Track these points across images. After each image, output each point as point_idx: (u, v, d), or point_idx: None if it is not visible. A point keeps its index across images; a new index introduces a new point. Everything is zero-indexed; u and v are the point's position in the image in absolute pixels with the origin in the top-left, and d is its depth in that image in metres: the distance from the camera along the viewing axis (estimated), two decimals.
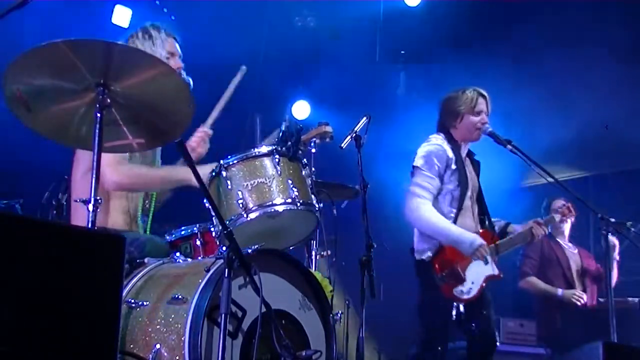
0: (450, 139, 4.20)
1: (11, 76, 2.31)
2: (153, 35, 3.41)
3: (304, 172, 3.11)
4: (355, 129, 3.76)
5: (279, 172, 3.00)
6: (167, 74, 2.45)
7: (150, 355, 2.50)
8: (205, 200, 2.77)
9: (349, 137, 3.75)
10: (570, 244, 5.86)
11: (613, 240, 4.96)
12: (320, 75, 7.39)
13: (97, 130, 2.42)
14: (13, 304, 1.83)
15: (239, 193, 2.95)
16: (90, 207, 2.38)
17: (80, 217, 3.09)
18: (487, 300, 4.13)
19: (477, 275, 4.08)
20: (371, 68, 7.46)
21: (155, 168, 3.42)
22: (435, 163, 4.08)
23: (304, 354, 2.69)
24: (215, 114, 3.72)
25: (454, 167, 4.11)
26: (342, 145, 3.75)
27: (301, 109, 7.66)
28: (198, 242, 3.16)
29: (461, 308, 3.99)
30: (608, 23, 6.34)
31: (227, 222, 2.82)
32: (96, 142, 2.42)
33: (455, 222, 4.06)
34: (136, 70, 2.41)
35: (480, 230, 4.21)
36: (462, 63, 6.84)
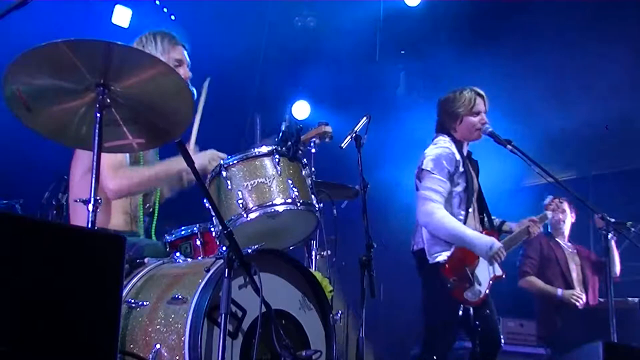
0: (454, 140, 4.19)
1: (11, 76, 2.30)
2: (158, 40, 3.40)
3: (304, 172, 3.11)
4: (355, 129, 3.76)
5: (279, 172, 3.00)
6: (167, 73, 2.45)
7: (150, 355, 2.50)
8: (205, 200, 2.77)
9: (349, 137, 3.74)
10: (569, 244, 5.86)
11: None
12: (320, 75, 7.38)
13: (97, 130, 2.42)
14: (13, 304, 1.83)
15: (239, 193, 2.95)
16: (90, 207, 2.38)
17: (79, 217, 3.09)
18: (489, 300, 4.14)
19: (484, 276, 4.09)
20: (371, 68, 7.46)
21: (150, 167, 3.39)
22: (446, 166, 4.06)
23: (304, 354, 2.69)
24: (194, 132, 3.67)
25: (461, 169, 4.11)
26: (342, 145, 3.75)
27: (301, 109, 7.66)
28: (198, 242, 3.16)
29: (470, 310, 3.98)
30: (608, 23, 6.35)
31: (227, 222, 2.82)
32: (96, 142, 2.42)
33: (465, 223, 4.05)
34: (136, 70, 2.41)
35: (483, 231, 4.20)
36: (462, 63, 6.84)
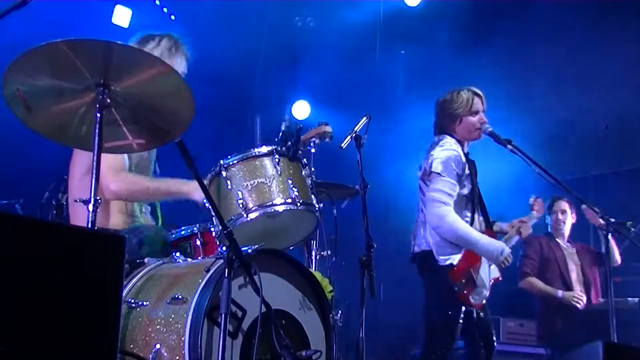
0: (458, 142, 4.18)
1: (11, 76, 2.30)
2: (162, 44, 3.40)
3: (304, 172, 3.11)
4: (355, 129, 3.76)
5: (279, 172, 3.00)
6: (167, 73, 2.45)
7: (150, 355, 2.50)
8: (205, 200, 2.77)
9: (349, 137, 3.74)
10: (569, 244, 5.86)
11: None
12: (320, 76, 7.39)
13: (97, 130, 2.42)
14: (13, 304, 1.83)
15: (239, 193, 2.95)
16: (90, 207, 2.38)
17: (79, 217, 3.09)
18: (485, 303, 4.14)
19: (486, 279, 4.09)
20: (371, 68, 7.46)
21: (153, 179, 3.43)
22: (454, 168, 4.03)
23: (304, 354, 2.69)
24: None
25: (467, 171, 4.10)
26: (342, 145, 3.75)
27: (301, 109, 7.66)
28: (198, 242, 3.16)
29: (474, 313, 3.98)
30: (609, 23, 6.35)
31: (227, 222, 2.82)
32: (96, 142, 2.42)
33: (471, 225, 4.05)
34: (136, 70, 2.40)
35: (485, 232, 4.20)
36: (462, 63, 6.84)
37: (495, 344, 4.17)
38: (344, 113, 5.71)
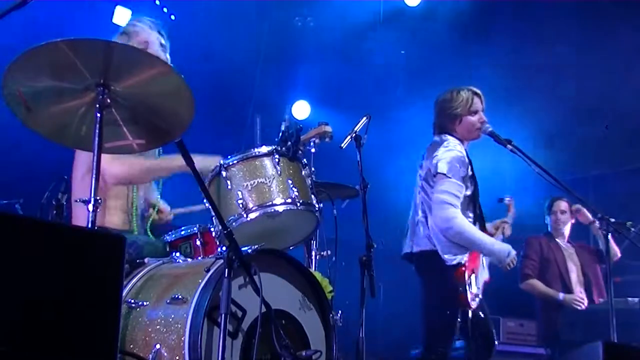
0: (461, 142, 4.17)
1: (11, 76, 2.30)
2: (127, 31, 3.38)
3: (304, 172, 3.11)
4: (355, 129, 3.75)
5: (279, 172, 3.00)
6: (167, 73, 2.45)
7: (150, 355, 2.50)
8: (205, 200, 2.77)
9: (349, 137, 3.74)
10: (569, 244, 5.86)
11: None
12: (320, 76, 7.39)
13: (97, 130, 2.42)
14: (13, 304, 1.83)
15: (239, 193, 2.95)
16: (90, 207, 2.38)
17: (80, 217, 3.09)
18: (484, 304, 4.14)
19: (480, 281, 4.10)
20: (371, 68, 7.46)
21: (154, 159, 3.41)
22: (460, 169, 4.00)
23: (304, 354, 2.69)
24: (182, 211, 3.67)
25: (470, 172, 4.09)
26: (342, 145, 3.74)
27: (301, 109, 7.66)
28: (198, 242, 3.16)
29: (469, 314, 3.97)
30: (609, 22, 6.35)
31: (227, 222, 2.82)
32: (96, 142, 2.42)
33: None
34: (136, 70, 2.40)
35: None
36: (462, 63, 6.84)
37: (496, 343, 4.16)
38: (344, 113, 5.71)
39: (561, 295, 5.51)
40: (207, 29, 6.45)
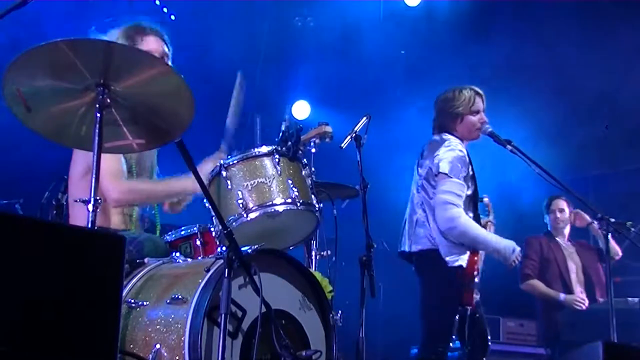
0: (461, 141, 4.16)
1: (11, 76, 2.30)
2: (132, 36, 3.37)
3: (304, 172, 3.11)
4: (355, 129, 3.76)
5: (279, 172, 3.00)
6: (167, 74, 2.45)
7: (150, 355, 2.50)
8: (205, 200, 2.77)
9: (349, 137, 3.74)
10: (569, 243, 5.86)
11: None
12: (320, 75, 7.39)
13: (97, 130, 2.42)
14: (13, 304, 1.83)
15: (239, 193, 2.95)
16: (90, 207, 2.38)
17: (78, 217, 3.09)
18: (479, 303, 4.13)
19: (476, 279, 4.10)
20: (371, 68, 7.46)
21: (155, 181, 3.45)
22: (461, 169, 3.99)
23: (304, 354, 2.69)
24: (230, 131, 3.63)
25: (471, 172, 4.09)
26: (342, 145, 3.74)
27: (301, 109, 7.66)
28: (198, 242, 3.16)
29: (470, 312, 3.97)
30: (609, 22, 6.35)
31: (227, 222, 2.82)
32: (96, 142, 2.42)
33: None
34: (136, 70, 2.40)
35: None
36: (462, 63, 6.84)
37: (489, 342, 4.16)
38: (344, 113, 5.71)
39: (562, 296, 5.51)
40: (207, 28, 6.44)
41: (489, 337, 4.17)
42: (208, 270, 2.61)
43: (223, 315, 2.41)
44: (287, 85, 7.56)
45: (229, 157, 3.07)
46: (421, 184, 4.13)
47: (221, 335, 2.38)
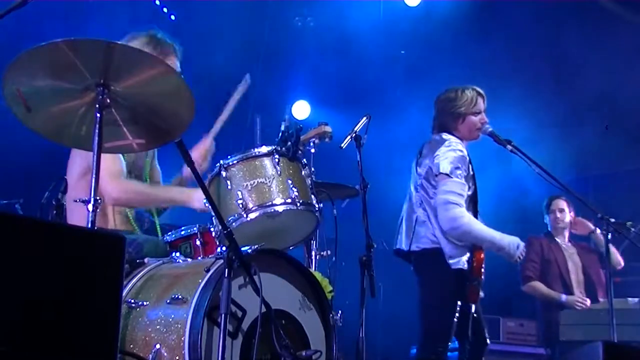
0: (461, 141, 4.16)
1: (11, 76, 2.30)
2: (151, 47, 3.34)
3: (303, 172, 3.11)
4: (355, 129, 3.75)
5: (279, 172, 3.00)
6: (167, 74, 2.45)
7: (150, 355, 2.50)
8: (205, 200, 2.77)
9: (349, 137, 3.74)
10: (569, 244, 5.86)
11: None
12: (320, 75, 7.39)
13: (97, 130, 2.42)
14: (13, 304, 1.83)
15: (239, 193, 2.95)
16: (90, 207, 2.38)
17: (76, 217, 3.09)
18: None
19: None
20: (371, 68, 7.46)
21: (153, 187, 3.49)
22: (462, 169, 3.98)
23: (304, 354, 2.69)
24: (217, 126, 3.71)
25: (471, 172, 4.09)
26: (342, 145, 3.74)
27: (301, 109, 7.66)
28: (198, 242, 3.16)
29: (469, 311, 3.96)
30: (609, 21, 6.35)
31: (227, 222, 2.82)
32: (96, 142, 2.42)
33: None
34: (136, 70, 2.40)
35: None
36: (462, 63, 6.84)
37: (487, 340, 4.15)
38: (344, 113, 5.71)
39: (563, 297, 5.52)
40: (207, 28, 6.44)
41: (487, 337, 4.16)
42: (208, 270, 2.62)
43: (223, 315, 2.41)
44: (287, 85, 7.55)
45: (229, 157, 3.07)
46: (420, 183, 4.12)
47: (221, 335, 2.38)
